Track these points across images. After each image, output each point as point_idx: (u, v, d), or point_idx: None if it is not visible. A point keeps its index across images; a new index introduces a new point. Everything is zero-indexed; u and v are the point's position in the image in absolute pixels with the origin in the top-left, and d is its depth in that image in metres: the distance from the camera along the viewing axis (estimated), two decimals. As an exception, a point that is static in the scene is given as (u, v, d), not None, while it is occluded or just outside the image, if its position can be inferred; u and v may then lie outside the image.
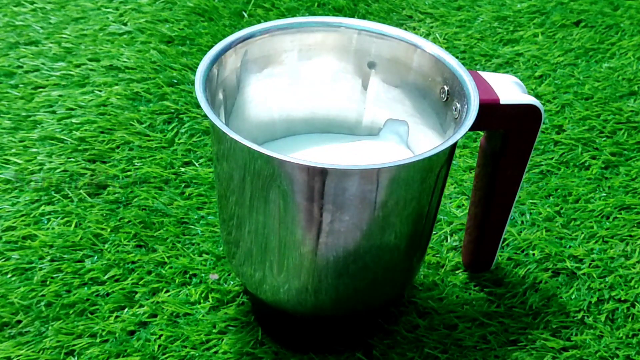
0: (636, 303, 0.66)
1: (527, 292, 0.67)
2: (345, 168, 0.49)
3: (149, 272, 0.67)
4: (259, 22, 0.94)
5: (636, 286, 0.68)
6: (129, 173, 0.75)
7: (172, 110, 0.83)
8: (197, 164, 0.77)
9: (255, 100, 0.61)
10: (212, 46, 0.56)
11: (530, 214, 0.74)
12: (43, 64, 0.88)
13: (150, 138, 0.79)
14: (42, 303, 0.63)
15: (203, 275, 0.66)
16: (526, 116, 0.57)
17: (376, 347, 0.62)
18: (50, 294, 0.64)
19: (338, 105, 0.63)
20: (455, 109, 0.56)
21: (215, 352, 0.61)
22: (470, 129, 0.52)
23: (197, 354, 0.61)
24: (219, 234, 0.70)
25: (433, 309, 0.65)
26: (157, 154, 0.77)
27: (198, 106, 0.82)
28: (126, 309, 0.64)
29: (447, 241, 0.71)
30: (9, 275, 0.66)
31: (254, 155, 0.50)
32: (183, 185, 0.75)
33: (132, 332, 0.62)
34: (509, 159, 0.60)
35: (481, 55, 0.94)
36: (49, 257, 0.67)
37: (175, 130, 0.80)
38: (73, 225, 0.70)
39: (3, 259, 0.67)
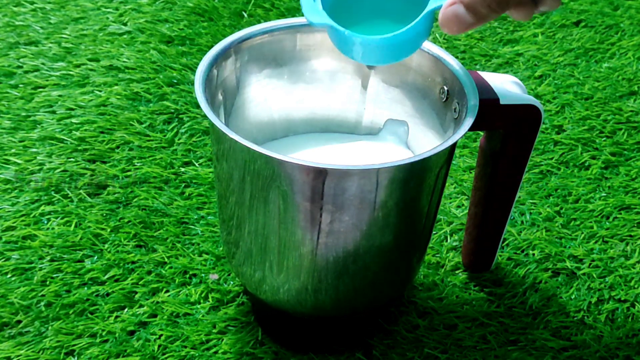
0: (636, 303, 0.66)
1: (527, 292, 0.67)
2: (345, 168, 0.49)
3: (149, 272, 0.67)
4: (259, 22, 0.94)
5: (636, 286, 0.68)
6: (129, 173, 0.75)
7: (172, 110, 0.83)
8: (197, 164, 0.77)
9: (255, 100, 0.61)
10: (212, 46, 0.56)
11: (530, 214, 0.74)
12: (43, 64, 0.88)
13: (150, 138, 0.79)
14: (42, 303, 0.63)
15: (203, 275, 0.66)
16: (526, 116, 0.57)
17: (376, 347, 0.62)
18: (50, 294, 0.64)
19: (338, 105, 0.63)
20: (455, 109, 0.56)
21: (215, 352, 0.61)
22: (470, 129, 0.52)
23: (197, 354, 0.61)
24: (219, 234, 0.70)
25: (433, 309, 0.65)
26: (157, 154, 0.77)
27: (198, 106, 0.82)
28: (126, 309, 0.64)
29: (447, 241, 0.71)
30: (9, 275, 0.66)
31: (253, 156, 0.50)
32: (183, 185, 0.75)
33: (132, 332, 0.62)
34: (509, 159, 0.60)
35: (481, 55, 0.94)
36: (49, 257, 0.67)
37: (175, 130, 0.80)
38: (73, 225, 0.70)
39: (3, 259, 0.67)
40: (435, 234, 0.71)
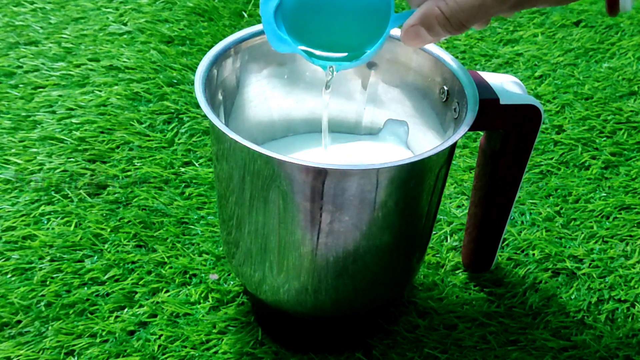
0: (636, 303, 0.66)
1: (527, 292, 0.67)
2: (344, 168, 0.49)
3: (149, 272, 0.67)
4: (259, 22, 0.94)
5: (636, 286, 0.68)
6: (129, 173, 0.75)
7: (172, 110, 0.83)
8: (197, 164, 0.77)
9: (255, 100, 0.61)
10: (212, 46, 0.56)
11: (530, 214, 0.74)
12: (43, 64, 0.88)
13: (150, 138, 0.79)
14: (42, 303, 0.63)
15: (203, 275, 0.66)
16: (526, 116, 0.57)
17: (376, 347, 0.62)
18: (50, 294, 0.64)
19: (338, 105, 0.63)
20: (455, 109, 0.56)
21: (215, 352, 0.61)
22: (470, 129, 0.52)
23: (197, 354, 0.61)
24: (219, 234, 0.70)
25: (433, 309, 0.65)
26: (157, 154, 0.77)
27: (198, 106, 0.82)
28: (126, 309, 0.64)
29: (447, 241, 0.71)
30: (9, 275, 0.66)
31: (253, 156, 0.50)
32: (183, 185, 0.75)
33: (132, 332, 0.62)
34: (509, 159, 0.60)
35: (481, 55, 0.94)
36: (49, 257, 0.67)
37: (175, 130, 0.80)
38: (73, 225, 0.70)
39: (3, 259, 0.67)
40: (435, 234, 0.71)
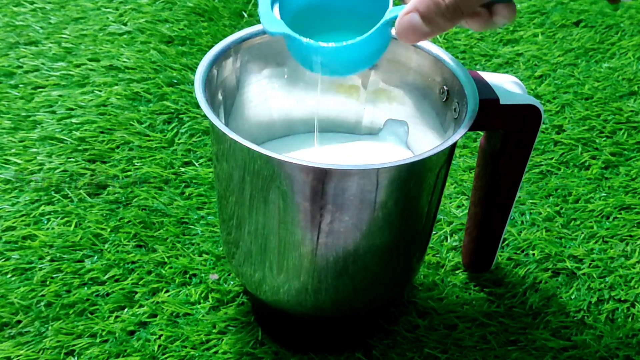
0: (636, 303, 0.66)
1: (527, 292, 0.67)
2: (344, 168, 0.49)
3: (149, 272, 0.67)
4: (259, 22, 0.94)
5: (636, 286, 0.68)
6: (129, 173, 0.75)
7: (172, 110, 0.83)
8: (197, 164, 0.77)
9: (254, 100, 0.61)
10: (212, 46, 0.56)
11: (530, 214, 0.74)
12: (43, 64, 0.88)
13: (150, 138, 0.79)
14: (42, 303, 0.63)
15: (203, 275, 0.66)
16: (526, 116, 0.57)
17: (376, 347, 0.62)
18: (50, 294, 0.64)
19: (338, 105, 0.63)
20: (455, 109, 0.56)
21: (215, 352, 0.61)
22: (470, 129, 0.52)
23: (197, 354, 0.61)
24: (219, 234, 0.70)
25: (433, 309, 0.65)
26: (157, 154, 0.77)
27: (198, 106, 0.82)
28: (126, 309, 0.64)
29: (447, 241, 0.71)
30: (9, 275, 0.66)
31: (253, 156, 0.50)
32: (183, 185, 0.75)
33: (132, 332, 0.62)
34: (509, 159, 0.60)
35: (481, 55, 0.94)
36: (49, 257, 0.67)
37: (175, 130, 0.80)
38: (73, 225, 0.70)
39: (3, 259, 0.67)
40: (435, 234, 0.71)
